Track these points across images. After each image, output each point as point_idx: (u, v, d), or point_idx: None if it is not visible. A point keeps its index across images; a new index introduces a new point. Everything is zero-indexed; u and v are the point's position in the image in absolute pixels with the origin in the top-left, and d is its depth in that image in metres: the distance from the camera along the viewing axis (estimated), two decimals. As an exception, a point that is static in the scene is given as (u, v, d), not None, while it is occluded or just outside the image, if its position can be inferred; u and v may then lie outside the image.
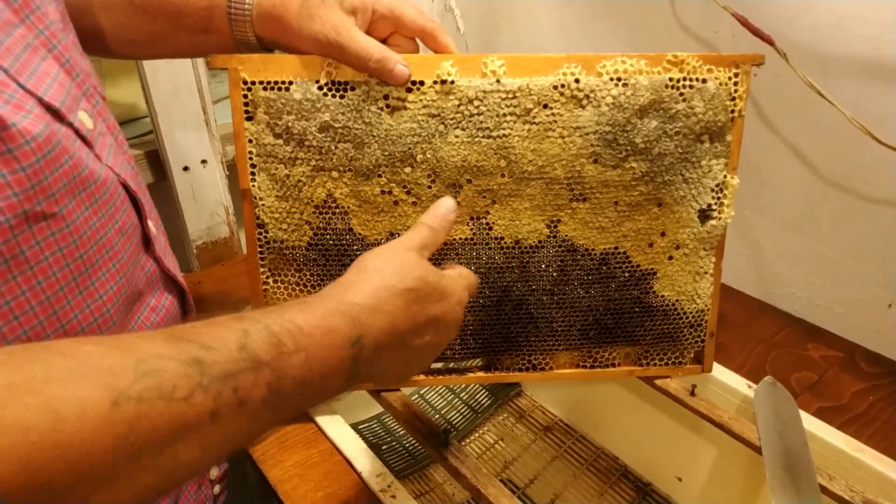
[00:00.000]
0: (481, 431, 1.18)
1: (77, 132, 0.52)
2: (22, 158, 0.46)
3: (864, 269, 0.92)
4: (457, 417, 1.20)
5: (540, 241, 0.74)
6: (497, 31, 1.28)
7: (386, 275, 0.54)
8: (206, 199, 1.06)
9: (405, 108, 0.67)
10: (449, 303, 0.58)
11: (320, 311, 0.48)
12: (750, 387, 0.83)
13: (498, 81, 0.68)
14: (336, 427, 0.78)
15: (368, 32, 0.67)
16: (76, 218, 0.51)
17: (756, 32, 0.89)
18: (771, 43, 0.88)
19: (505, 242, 0.73)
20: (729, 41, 0.94)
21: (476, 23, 1.30)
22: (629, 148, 0.70)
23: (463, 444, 1.11)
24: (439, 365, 0.80)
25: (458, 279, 0.62)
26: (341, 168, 0.69)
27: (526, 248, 0.74)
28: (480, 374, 0.81)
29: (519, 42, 1.24)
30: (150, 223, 0.63)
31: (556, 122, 0.69)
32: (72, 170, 0.50)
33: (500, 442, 1.15)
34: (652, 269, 0.76)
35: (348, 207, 0.71)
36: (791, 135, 0.93)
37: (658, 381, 0.82)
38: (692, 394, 0.80)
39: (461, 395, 1.24)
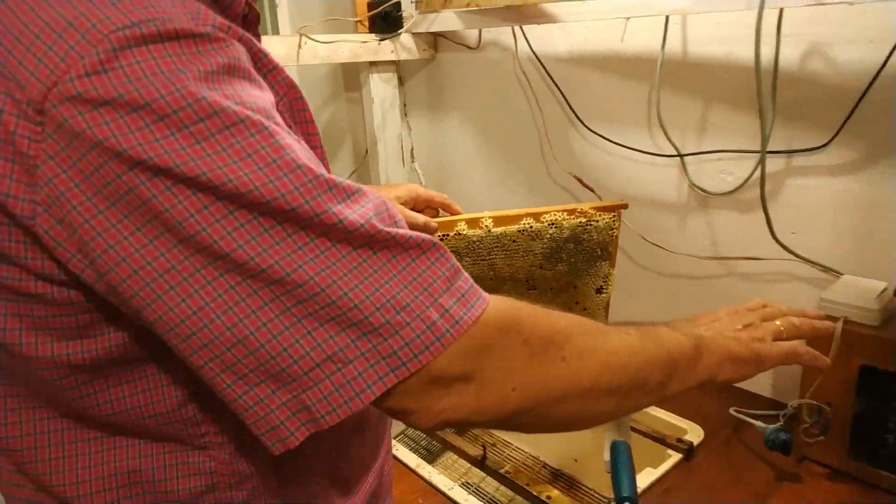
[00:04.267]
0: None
1: None
2: None
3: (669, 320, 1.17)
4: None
5: (512, 313, 0.98)
6: (447, 182, 1.48)
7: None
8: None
9: (440, 248, 0.91)
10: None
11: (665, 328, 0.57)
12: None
13: (489, 231, 0.90)
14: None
15: (413, 209, 0.88)
16: None
17: (585, 186, 1.12)
18: (593, 191, 1.11)
19: (493, 316, 0.97)
20: (580, 189, 1.16)
21: (433, 177, 1.51)
22: (558, 260, 0.92)
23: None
24: None
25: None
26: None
27: (505, 318, 0.98)
28: None
29: (460, 188, 1.45)
30: None
31: (520, 248, 0.90)
32: None
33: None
34: (572, 322, 1.02)
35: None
36: (621, 243, 1.19)
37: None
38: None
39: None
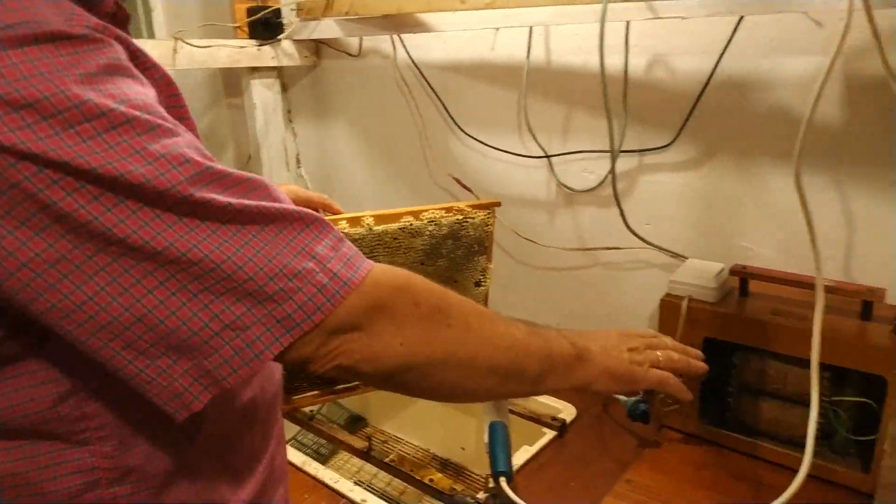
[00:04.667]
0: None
1: None
2: None
3: (542, 309, 1.20)
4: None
5: (396, 309, 0.99)
6: (333, 186, 1.48)
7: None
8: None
9: (322, 246, 0.92)
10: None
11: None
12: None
13: (371, 229, 0.91)
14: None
15: None
16: None
17: (463, 186, 1.14)
18: (471, 191, 1.13)
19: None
20: (460, 190, 1.16)
21: (319, 182, 1.50)
22: (438, 255, 0.94)
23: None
24: (341, 386, 0.93)
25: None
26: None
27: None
28: (364, 388, 0.95)
29: (346, 191, 1.46)
30: None
31: (401, 245, 0.92)
32: None
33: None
34: (454, 315, 1.04)
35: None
36: (498, 239, 1.21)
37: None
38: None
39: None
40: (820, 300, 0.67)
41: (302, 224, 0.44)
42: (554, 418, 0.97)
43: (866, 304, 0.79)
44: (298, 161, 1.50)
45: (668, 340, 0.70)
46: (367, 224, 0.92)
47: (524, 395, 0.80)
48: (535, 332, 0.57)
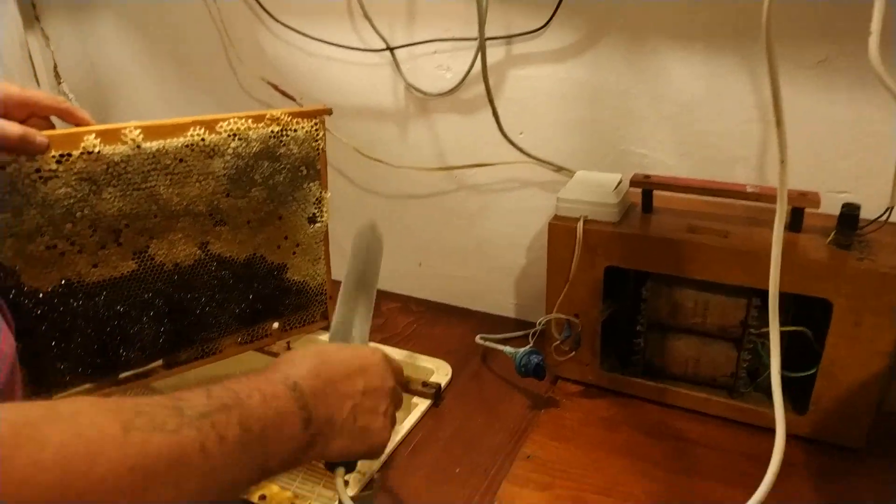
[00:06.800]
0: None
1: None
2: None
3: (399, 245, 0.94)
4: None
5: (196, 261, 0.66)
6: (112, 104, 1.08)
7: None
8: None
9: (57, 177, 0.55)
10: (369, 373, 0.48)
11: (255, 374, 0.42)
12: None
13: (139, 147, 0.59)
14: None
15: (6, 118, 0.53)
16: None
17: (284, 94, 0.88)
18: (294, 99, 0.88)
19: (167, 267, 0.64)
20: (280, 99, 0.89)
21: (91, 100, 1.07)
22: (251, 183, 0.66)
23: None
24: (128, 373, 0.66)
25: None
26: (2, 236, 0.54)
27: (185, 268, 0.65)
28: (164, 371, 0.69)
29: (131, 109, 1.07)
30: None
31: (192, 171, 0.62)
32: None
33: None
34: (283, 262, 0.73)
35: (15, 267, 0.56)
36: (336, 162, 0.92)
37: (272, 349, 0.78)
38: (288, 348, 0.79)
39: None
40: (781, 211, 0.46)
41: None
42: (425, 383, 0.72)
43: (796, 211, 0.61)
44: (58, 74, 1.05)
45: None
46: (133, 139, 0.59)
47: None
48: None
